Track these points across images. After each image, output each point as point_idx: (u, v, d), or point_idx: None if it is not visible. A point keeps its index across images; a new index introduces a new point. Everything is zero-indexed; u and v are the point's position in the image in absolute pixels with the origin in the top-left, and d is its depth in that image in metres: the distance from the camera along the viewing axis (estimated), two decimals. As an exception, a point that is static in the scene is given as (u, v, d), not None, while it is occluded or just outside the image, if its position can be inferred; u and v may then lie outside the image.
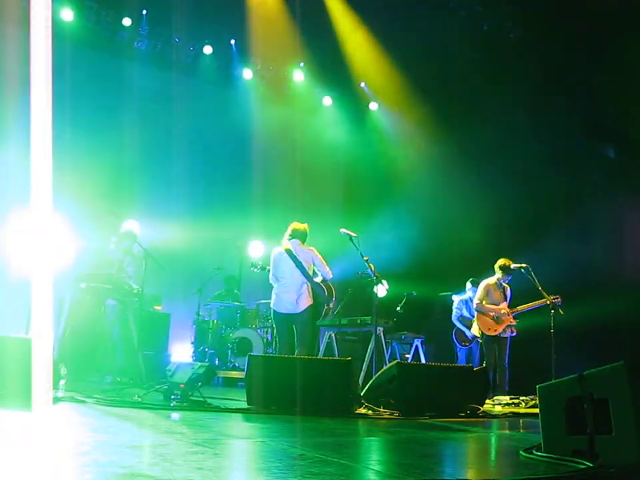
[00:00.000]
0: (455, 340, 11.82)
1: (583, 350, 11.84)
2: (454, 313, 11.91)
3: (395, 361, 7.15)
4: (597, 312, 12.80)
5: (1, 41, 12.63)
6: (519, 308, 10.24)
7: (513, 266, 10.15)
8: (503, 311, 10.17)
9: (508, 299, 10.37)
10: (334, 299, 8.57)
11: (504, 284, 10.38)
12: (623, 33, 12.79)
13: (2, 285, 12.01)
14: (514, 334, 10.44)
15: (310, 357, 7.11)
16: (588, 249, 13.22)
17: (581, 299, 11.61)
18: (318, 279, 8.66)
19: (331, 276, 8.66)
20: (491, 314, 10.18)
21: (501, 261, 10.38)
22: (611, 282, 12.76)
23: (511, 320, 10.18)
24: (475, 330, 10.49)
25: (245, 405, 6.44)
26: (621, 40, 12.94)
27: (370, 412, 6.50)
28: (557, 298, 9.86)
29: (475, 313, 10.40)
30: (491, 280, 10.40)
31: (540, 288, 9.87)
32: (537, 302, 10.06)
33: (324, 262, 8.64)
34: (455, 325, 11.87)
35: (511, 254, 11.11)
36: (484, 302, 10.26)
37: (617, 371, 3.32)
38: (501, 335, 10.17)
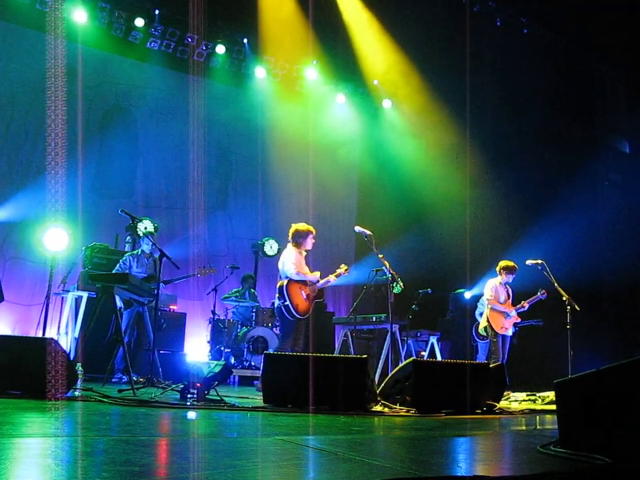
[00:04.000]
0: (474, 334, 11.78)
1: (600, 345, 11.81)
2: (478, 308, 11.88)
3: (411, 358, 7.14)
4: (613, 308, 12.76)
5: (17, 43, 12.71)
6: (525, 304, 10.29)
7: (528, 262, 10.17)
8: (512, 311, 10.24)
9: (511, 298, 10.43)
10: (283, 299, 8.60)
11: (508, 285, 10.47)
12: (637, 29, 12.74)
13: (20, 287, 12.09)
14: (540, 323, 11.05)
15: (326, 355, 7.11)
16: (602, 244, 13.17)
17: (596, 295, 11.58)
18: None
19: (291, 272, 8.69)
20: (502, 312, 10.25)
21: (502, 263, 10.52)
22: (627, 276, 12.71)
23: (517, 317, 10.27)
24: (482, 327, 10.51)
25: (261, 403, 6.45)
26: (634, 35, 12.89)
27: (386, 409, 6.50)
28: (543, 293, 10.00)
29: (488, 311, 10.38)
30: (497, 280, 10.49)
31: (556, 284, 9.88)
32: (532, 298, 10.18)
33: (290, 260, 8.79)
34: (477, 320, 11.84)
35: (524, 251, 11.10)
36: (496, 301, 10.34)
37: (634, 366, 3.30)
38: (508, 333, 10.26)
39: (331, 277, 8.97)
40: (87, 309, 10.00)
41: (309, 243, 9.00)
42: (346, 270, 9.06)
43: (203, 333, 12.57)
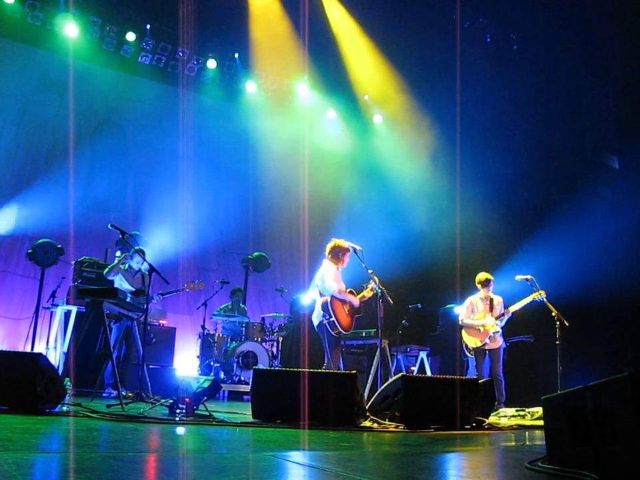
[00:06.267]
0: (465, 349, 11.79)
1: (589, 361, 11.81)
2: None
3: (401, 374, 7.12)
4: (602, 324, 12.75)
5: (8, 57, 12.73)
6: (510, 309, 10.29)
7: (517, 277, 10.21)
8: (484, 322, 10.24)
9: (499, 309, 10.41)
10: (328, 315, 8.59)
11: (491, 296, 10.46)
12: (626, 45, 12.83)
13: (9, 300, 12.05)
14: (531, 339, 11.12)
15: (315, 370, 7.10)
16: (592, 261, 13.20)
17: (585, 311, 11.58)
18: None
19: (333, 290, 8.73)
20: (475, 326, 10.29)
21: (477, 276, 10.55)
22: (617, 293, 12.73)
23: (496, 329, 10.21)
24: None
25: (250, 419, 6.43)
26: (624, 51, 12.98)
27: (375, 425, 6.48)
28: (540, 294, 10.01)
29: (463, 329, 10.52)
30: (474, 296, 10.62)
31: (545, 299, 9.93)
32: (524, 300, 10.16)
33: (331, 277, 8.82)
34: None
35: (515, 267, 11.13)
36: (467, 317, 10.39)
37: (622, 382, 3.31)
38: (492, 347, 10.24)
39: (366, 293, 9.01)
40: (76, 324, 9.97)
41: (346, 260, 9.03)
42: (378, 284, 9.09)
43: (192, 348, 12.55)
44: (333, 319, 8.56)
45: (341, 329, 8.64)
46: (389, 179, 15.37)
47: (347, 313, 8.78)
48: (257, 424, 6.20)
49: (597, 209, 14.34)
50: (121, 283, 9.68)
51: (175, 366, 11.74)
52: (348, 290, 8.97)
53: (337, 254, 8.97)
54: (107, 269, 9.78)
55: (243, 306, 12.79)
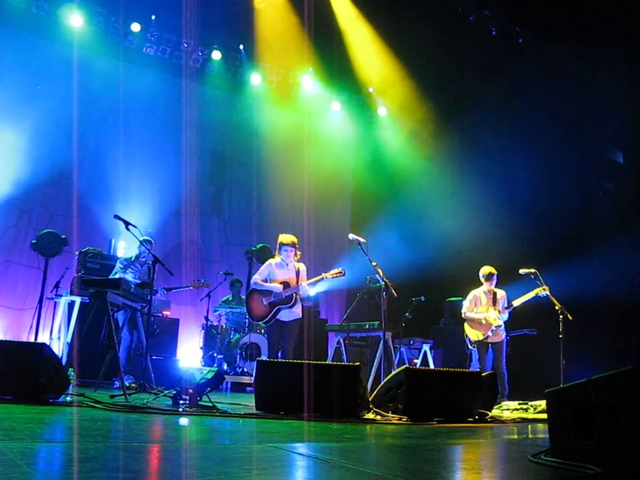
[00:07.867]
0: (468, 342, 11.79)
1: (592, 355, 11.80)
2: None
3: (404, 366, 7.13)
4: (606, 317, 12.72)
5: (12, 47, 12.71)
6: (513, 303, 10.29)
7: (521, 271, 10.19)
8: (487, 315, 10.24)
9: (502, 303, 10.40)
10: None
11: (494, 289, 10.47)
12: (633, 38, 12.79)
13: (12, 291, 12.06)
14: (534, 332, 11.21)
15: (319, 362, 7.10)
16: (595, 255, 13.18)
17: (589, 304, 11.55)
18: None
19: (252, 281, 9.20)
20: (478, 319, 10.29)
21: (481, 270, 10.57)
22: (620, 286, 12.72)
23: (498, 322, 10.19)
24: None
25: (253, 410, 6.44)
26: (629, 44, 12.93)
27: (378, 417, 6.49)
28: (544, 289, 9.98)
29: (465, 322, 10.53)
30: (478, 289, 10.60)
31: (549, 293, 9.92)
32: (528, 294, 10.14)
33: (259, 270, 9.26)
34: None
35: (519, 259, 11.11)
36: (470, 310, 10.40)
37: (625, 376, 3.31)
38: (494, 340, 10.23)
39: (304, 284, 9.01)
40: (80, 314, 9.98)
41: (284, 254, 9.11)
42: (338, 273, 9.08)
43: (195, 339, 12.55)
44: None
45: (251, 318, 9.29)
46: (394, 171, 15.35)
47: (265, 304, 8.91)
48: (260, 415, 6.21)
49: (600, 202, 14.32)
50: (126, 275, 9.69)
51: (178, 357, 11.74)
52: (283, 281, 8.99)
53: (278, 248, 9.20)
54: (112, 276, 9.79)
55: (243, 297, 12.79)
